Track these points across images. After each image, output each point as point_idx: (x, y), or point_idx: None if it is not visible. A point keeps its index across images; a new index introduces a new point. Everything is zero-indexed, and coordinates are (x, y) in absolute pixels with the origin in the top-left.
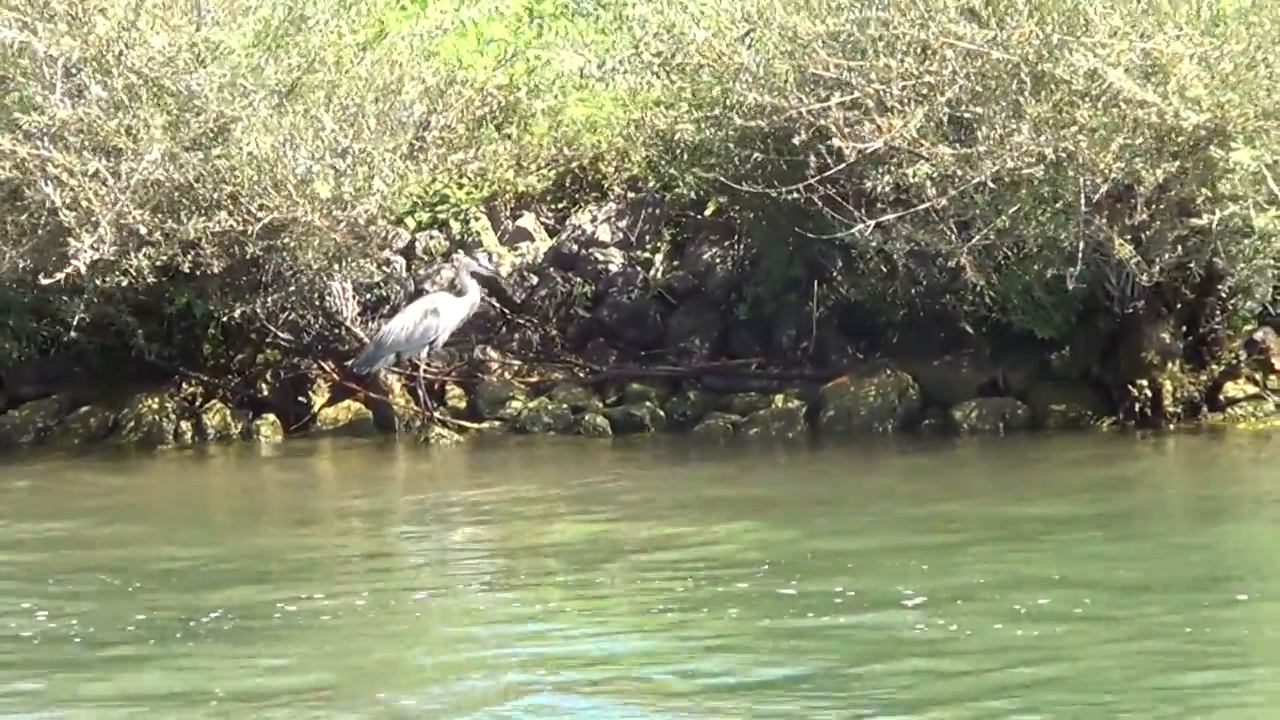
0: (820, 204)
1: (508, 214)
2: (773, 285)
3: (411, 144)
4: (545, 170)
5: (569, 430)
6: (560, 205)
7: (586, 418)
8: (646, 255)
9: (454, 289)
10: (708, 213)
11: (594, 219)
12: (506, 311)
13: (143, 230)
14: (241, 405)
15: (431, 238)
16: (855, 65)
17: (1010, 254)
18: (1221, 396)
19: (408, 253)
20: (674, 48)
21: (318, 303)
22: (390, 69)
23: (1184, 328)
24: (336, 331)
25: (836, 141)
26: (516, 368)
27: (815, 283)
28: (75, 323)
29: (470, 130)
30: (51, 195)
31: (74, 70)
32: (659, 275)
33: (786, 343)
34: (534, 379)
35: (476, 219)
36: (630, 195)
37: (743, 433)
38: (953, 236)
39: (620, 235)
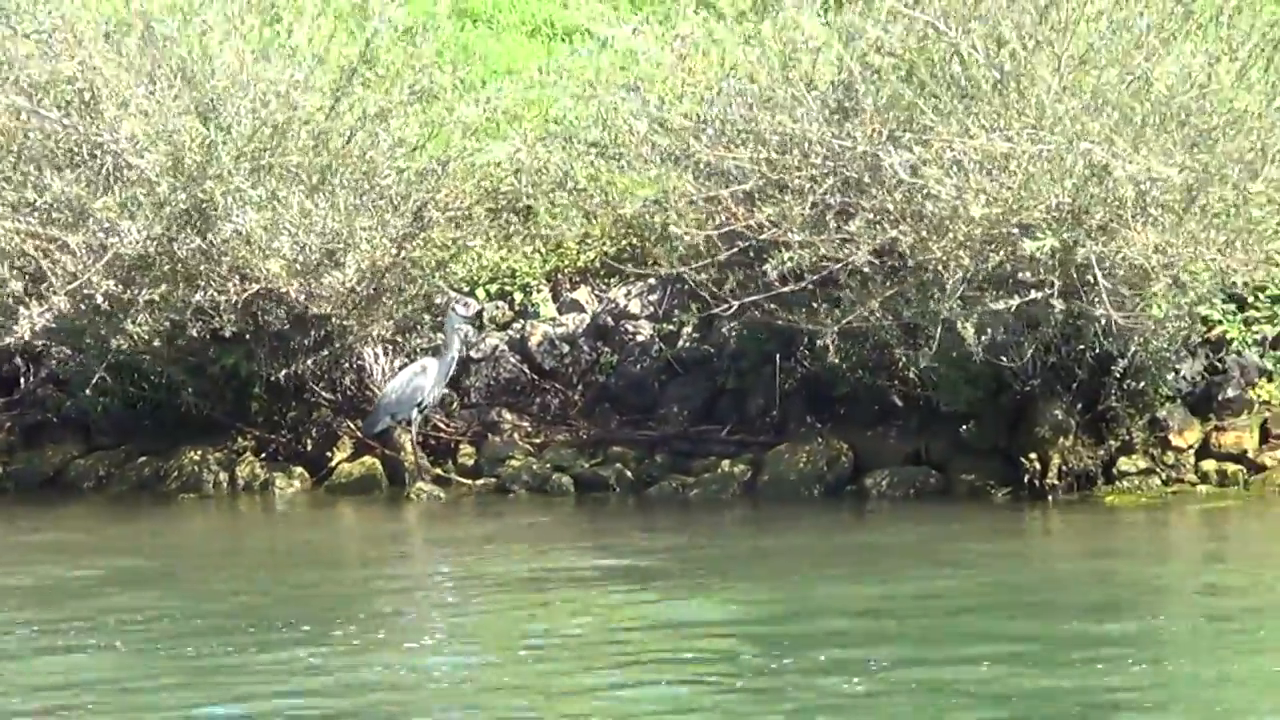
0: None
1: (568, 286)
2: (750, 358)
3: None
4: (596, 248)
5: (540, 489)
6: (610, 280)
7: (553, 477)
8: (671, 329)
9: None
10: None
11: (628, 293)
12: (535, 377)
13: (99, 299)
14: (282, 459)
15: (497, 308)
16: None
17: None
18: (1115, 470)
19: (477, 320)
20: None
21: (350, 365)
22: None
23: (1080, 405)
24: (365, 393)
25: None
26: (526, 429)
27: (777, 357)
28: (134, 380)
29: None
30: None
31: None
32: (683, 346)
33: (755, 411)
34: (539, 440)
35: (539, 291)
36: (662, 272)
37: (687, 494)
38: (823, 317)
39: (651, 309)
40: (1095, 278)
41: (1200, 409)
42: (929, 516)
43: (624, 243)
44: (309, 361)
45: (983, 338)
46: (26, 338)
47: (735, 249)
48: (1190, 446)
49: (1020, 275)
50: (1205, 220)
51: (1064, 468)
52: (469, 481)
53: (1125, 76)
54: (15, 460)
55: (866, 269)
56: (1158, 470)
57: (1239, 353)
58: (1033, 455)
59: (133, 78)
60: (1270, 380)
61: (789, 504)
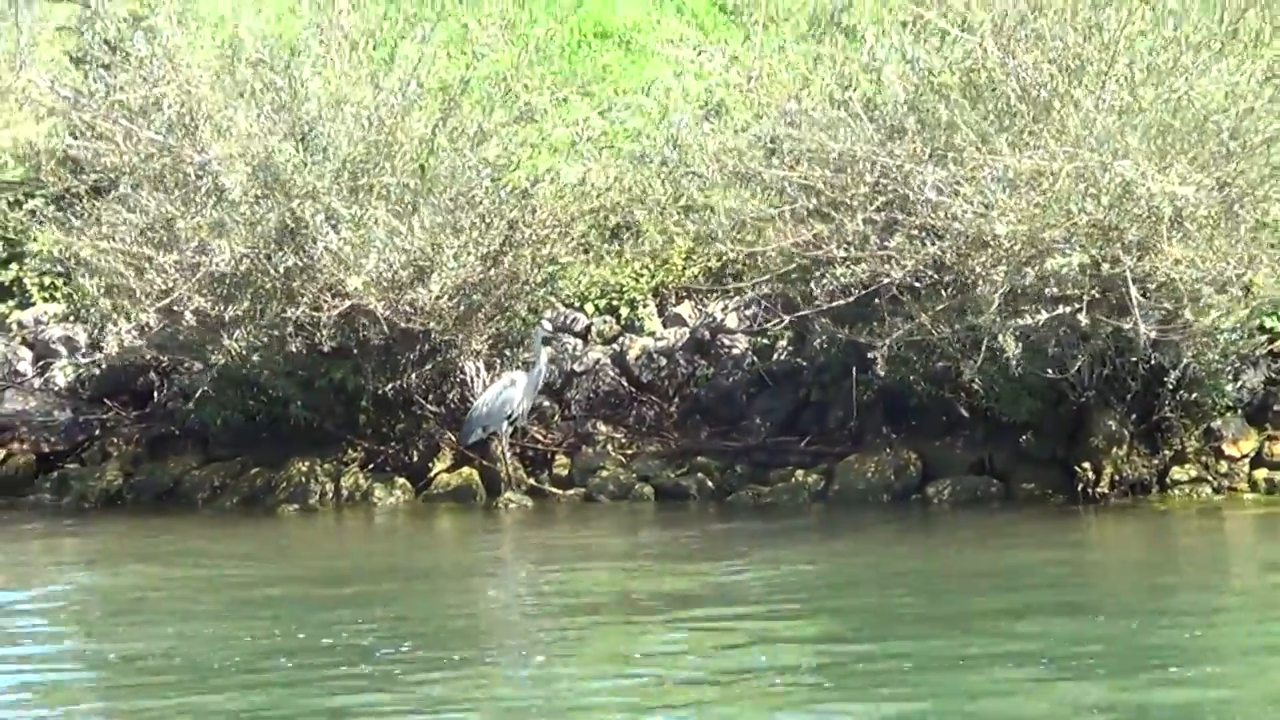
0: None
1: (673, 301)
2: (833, 371)
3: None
4: (700, 264)
5: (624, 497)
6: (711, 295)
7: (636, 487)
8: (765, 342)
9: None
10: None
11: (725, 308)
12: (633, 390)
13: (189, 316)
14: (390, 470)
15: (605, 322)
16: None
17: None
18: (1168, 479)
19: (584, 335)
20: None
21: (454, 379)
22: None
23: (1135, 415)
24: (468, 406)
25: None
26: (620, 440)
27: (854, 370)
28: (253, 394)
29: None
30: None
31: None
32: (777, 360)
33: (835, 423)
34: (631, 451)
35: (645, 305)
36: (760, 287)
37: (763, 502)
38: (873, 333)
39: (748, 323)
40: (1129, 292)
41: (1258, 419)
42: (988, 526)
43: (723, 259)
44: (414, 375)
45: (1042, 350)
46: (115, 352)
47: (794, 265)
48: (1245, 456)
49: (1047, 291)
50: (1236, 236)
51: (1116, 476)
52: (559, 491)
53: (1165, 94)
54: (140, 471)
55: (917, 283)
56: (1209, 478)
57: None
58: (1087, 464)
59: (224, 99)
60: None
61: (855, 509)
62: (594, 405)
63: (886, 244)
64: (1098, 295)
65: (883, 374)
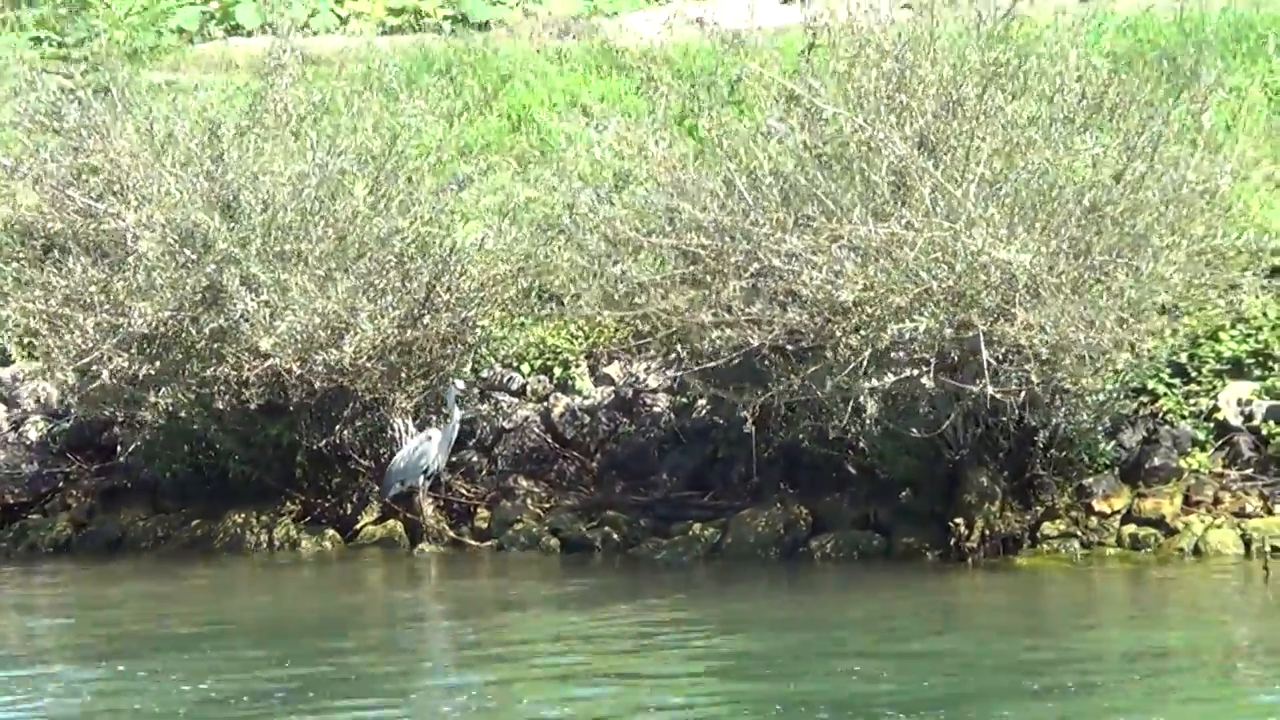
0: None
1: (605, 362)
2: (738, 428)
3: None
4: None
5: (532, 548)
6: (637, 356)
7: (543, 540)
8: (685, 401)
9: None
10: None
11: (648, 368)
12: (557, 446)
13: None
14: (325, 521)
15: (539, 381)
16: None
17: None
18: (1039, 534)
19: (520, 393)
20: None
21: (388, 435)
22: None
23: (1007, 473)
24: None
25: None
26: (540, 495)
27: (755, 428)
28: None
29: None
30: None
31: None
32: (696, 417)
33: (737, 478)
34: (549, 505)
35: (577, 366)
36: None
37: (659, 555)
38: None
39: (669, 382)
40: (981, 356)
41: (1132, 476)
42: (854, 578)
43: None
44: (345, 432)
45: (914, 410)
46: (30, 409)
47: (676, 329)
48: (1116, 512)
49: (898, 355)
50: (1093, 304)
51: (987, 531)
52: (475, 543)
53: (1023, 167)
54: (92, 522)
55: (790, 346)
56: (1078, 534)
57: (1172, 424)
58: (960, 520)
59: (143, 172)
60: (1203, 450)
61: (740, 564)
62: (519, 460)
63: (749, 310)
64: (955, 359)
65: (752, 432)
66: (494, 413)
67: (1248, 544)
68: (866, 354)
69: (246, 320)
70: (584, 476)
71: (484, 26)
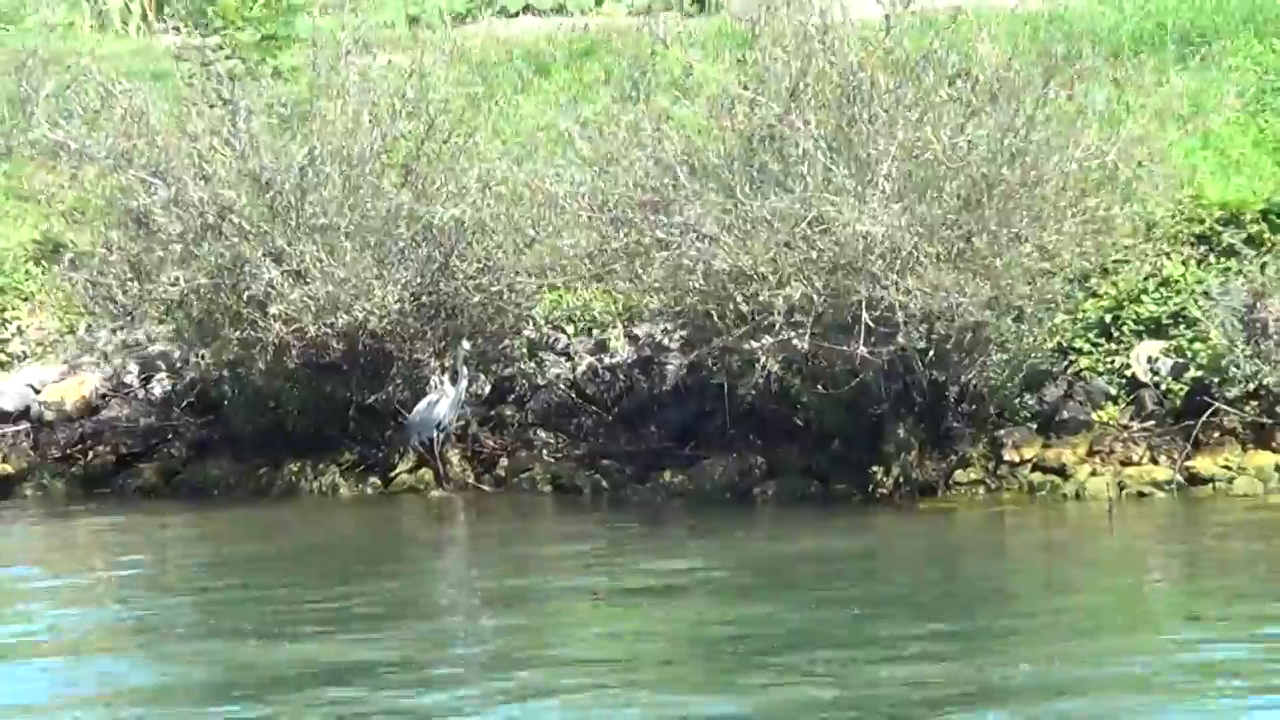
0: None
1: (637, 324)
2: (719, 386)
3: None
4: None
5: (530, 492)
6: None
7: (539, 485)
8: (693, 360)
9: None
10: None
11: (665, 330)
12: (580, 401)
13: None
14: (370, 470)
15: (581, 342)
16: None
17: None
18: (952, 481)
19: (565, 353)
20: None
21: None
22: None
23: (923, 425)
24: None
25: None
26: (555, 445)
27: (726, 385)
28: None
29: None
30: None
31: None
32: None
33: (714, 431)
34: (561, 455)
35: (615, 327)
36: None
37: (634, 499)
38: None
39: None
40: (861, 317)
41: (1047, 429)
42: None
43: None
44: (390, 388)
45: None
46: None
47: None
48: (1025, 461)
49: (769, 319)
50: (975, 270)
51: (903, 478)
52: (488, 489)
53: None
54: (185, 471)
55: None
56: (986, 481)
57: (1088, 380)
58: (878, 468)
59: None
60: (1115, 404)
61: (696, 505)
62: (546, 415)
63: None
64: (850, 321)
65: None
66: (535, 371)
67: (1121, 488)
68: (754, 318)
69: (273, 288)
70: (599, 429)
71: None
